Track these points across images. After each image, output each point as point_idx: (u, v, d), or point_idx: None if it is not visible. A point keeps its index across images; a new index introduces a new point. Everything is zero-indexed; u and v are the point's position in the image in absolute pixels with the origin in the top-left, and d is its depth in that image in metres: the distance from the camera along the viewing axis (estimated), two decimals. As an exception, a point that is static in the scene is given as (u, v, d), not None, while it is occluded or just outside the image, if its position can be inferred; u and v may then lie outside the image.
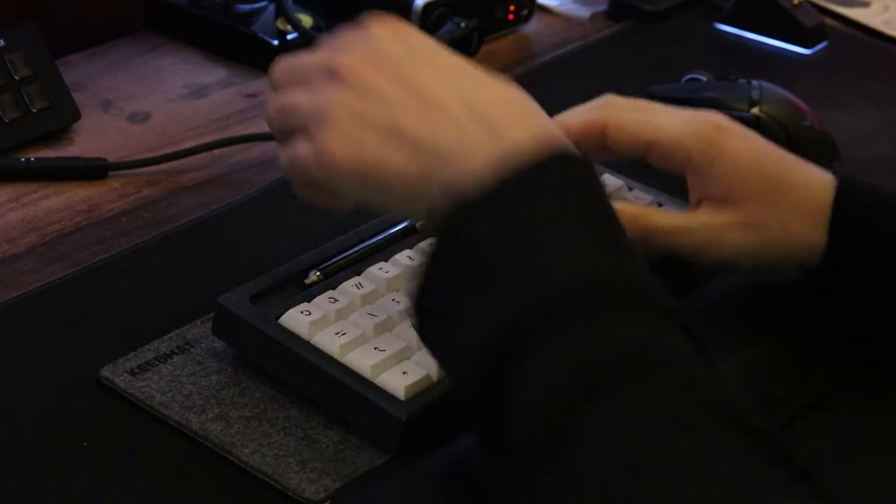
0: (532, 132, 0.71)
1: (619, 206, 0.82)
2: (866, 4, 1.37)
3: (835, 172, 0.89)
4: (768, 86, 1.11)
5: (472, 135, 0.71)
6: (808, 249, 0.86)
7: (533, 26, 1.29)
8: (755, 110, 1.08)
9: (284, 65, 0.80)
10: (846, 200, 0.86)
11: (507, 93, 0.74)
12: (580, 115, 0.89)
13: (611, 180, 0.98)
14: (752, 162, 0.87)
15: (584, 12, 1.32)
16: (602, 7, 1.32)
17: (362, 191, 0.74)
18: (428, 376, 0.80)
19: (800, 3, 1.29)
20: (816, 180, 0.88)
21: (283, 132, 0.78)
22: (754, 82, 1.11)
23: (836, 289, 0.88)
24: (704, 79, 1.14)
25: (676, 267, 0.88)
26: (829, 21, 1.32)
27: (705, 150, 0.87)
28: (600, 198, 0.71)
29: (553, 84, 1.20)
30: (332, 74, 0.75)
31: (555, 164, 0.70)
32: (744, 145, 0.88)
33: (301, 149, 0.76)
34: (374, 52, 0.75)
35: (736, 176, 0.86)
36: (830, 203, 0.86)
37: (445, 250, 0.69)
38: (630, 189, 0.98)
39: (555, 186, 0.69)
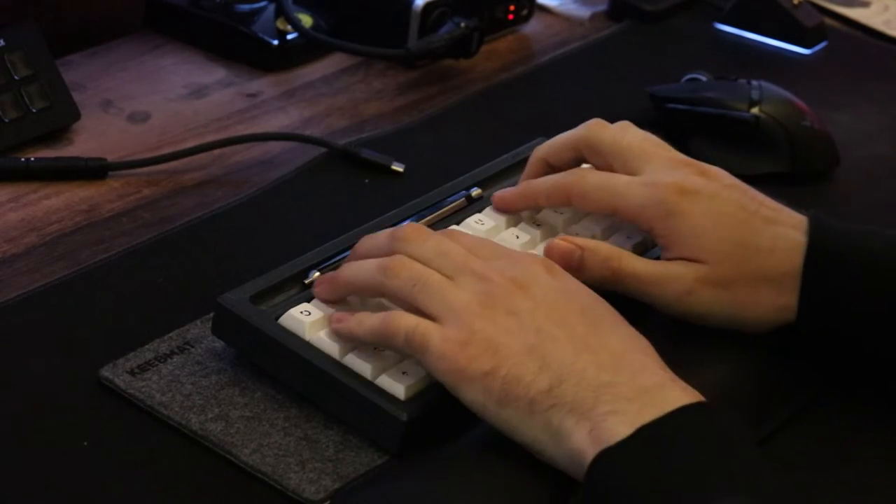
0: (668, 378, 0.75)
1: (594, 245, 0.85)
2: (866, 4, 1.37)
3: (808, 218, 0.87)
4: (768, 86, 1.11)
5: (612, 377, 0.74)
6: (779, 312, 0.85)
7: (533, 26, 1.29)
8: (755, 110, 1.08)
9: (463, 240, 0.82)
10: (817, 265, 0.84)
11: (641, 342, 0.78)
12: (546, 182, 0.90)
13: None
14: (715, 226, 0.85)
15: (584, 12, 1.32)
16: (602, 7, 1.32)
17: (473, 392, 0.76)
18: (428, 377, 0.80)
19: (800, 3, 1.29)
20: (784, 243, 0.85)
21: (402, 299, 0.79)
22: (754, 82, 1.11)
23: (808, 345, 0.87)
24: (704, 79, 1.14)
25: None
26: (829, 21, 1.32)
27: (666, 217, 0.85)
28: (736, 450, 0.72)
29: (553, 84, 1.20)
30: (513, 282, 0.78)
31: (689, 415, 0.73)
32: (707, 208, 0.85)
33: (431, 332, 0.77)
34: (562, 289, 0.79)
35: (700, 238, 0.85)
36: (800, 267, 0.84)
37: (594, 492, 0.72)
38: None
39: (693, 439, 0.72)
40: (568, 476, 0.75)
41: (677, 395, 0.74)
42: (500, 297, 0.77)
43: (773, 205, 0.88)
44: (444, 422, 0.79)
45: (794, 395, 0.86)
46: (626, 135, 0.89)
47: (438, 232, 0.82)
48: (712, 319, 0.85)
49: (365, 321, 0.79)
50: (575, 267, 0.84)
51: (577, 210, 0.91)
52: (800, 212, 0.88)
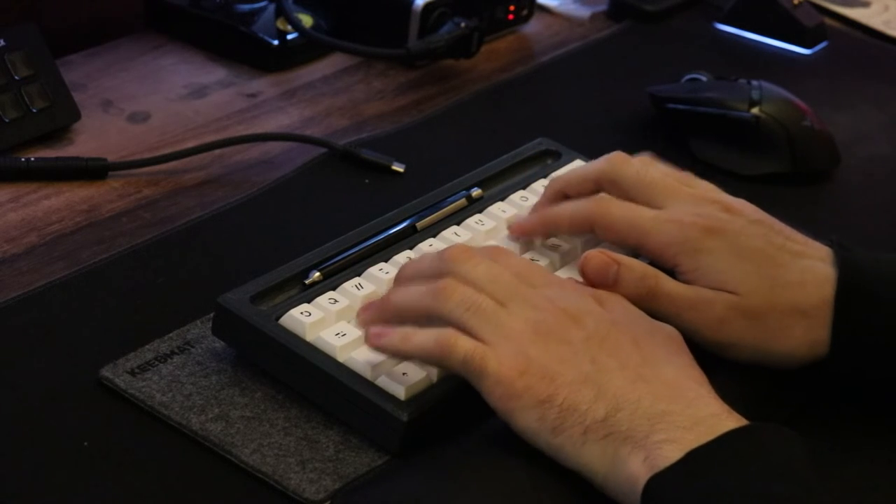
0: (723, 409, 0.75)
1: (630, 262, 0.83)
2: (866, 4, 1.37)
3: (832, 246, 0.86)
4: (768, 86, 1.11)
5: (667, 406, 0.74)
6: (811, 347, 0.84)
7: (533, 26, 1.29)
8: (755, 110, 1.08)
9: (520, 267, 0.81)
10: (847, 297, 0.84)
11: (695, 371, 0.78)
12: (568, 209, 0.89)
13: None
14: (742, 261, 0.84)
15: (584, 12, 1.32)
16: (602, 7, 1.32)
17: (527, 420, 0.75)
18: (428, 377, 0.80)
19: (800, 3, 1.29)
20: (813, 276, 0.85)
21: (454, 323, 0.78)
22: (754, 82, 1.11)
23: (837, 381, 0.85)
24: (704, 79, 1.14)
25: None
26: (829, 21, 1.33)
27: (692, 254, 0.85)
28: (788, 470, 0.72)
29: (553, 84, 1.20)
30: (576, 316, 0.78)
31: (739, 437, 0.73)
32: (733, 244, 0.85)
33: (489, 356, 0.76)
34: (613, 320, 0.79)
35: (728, 273, 0.84)
36: (831, 299, 0.84)
37: None
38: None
39: (743, 461, 0.72)
40: (568, 477, 0.75)
41: (731, 425, 0.73)
42: (553, 326, 0.77)
43: (799, 238, 0.87)
44: (444, 422, 0.79)
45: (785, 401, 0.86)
46: (650, 170, 0.89)
47: (485, 251, 0.82)
48: (744, 352, 0.84)
49: (412, 338, 0.78)
50: (610, 282, 0.83)
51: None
52: (821, 240, 0.87)
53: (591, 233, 0.88)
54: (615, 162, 0.90)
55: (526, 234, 0.91)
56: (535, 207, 0.92)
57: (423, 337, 0.78)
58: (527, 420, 0.75)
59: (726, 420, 0.74)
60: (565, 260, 0.90)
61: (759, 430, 0.73)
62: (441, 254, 0.81)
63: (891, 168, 1.13)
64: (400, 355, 0.79)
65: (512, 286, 0.79)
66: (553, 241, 0.91)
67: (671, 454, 0.72)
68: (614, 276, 0.83)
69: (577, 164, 0.99)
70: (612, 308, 0.80)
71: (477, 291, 0.78)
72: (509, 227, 0.92)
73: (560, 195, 0.91)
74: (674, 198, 0.87)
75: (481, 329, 0.77)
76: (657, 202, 0.87)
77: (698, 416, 0.74)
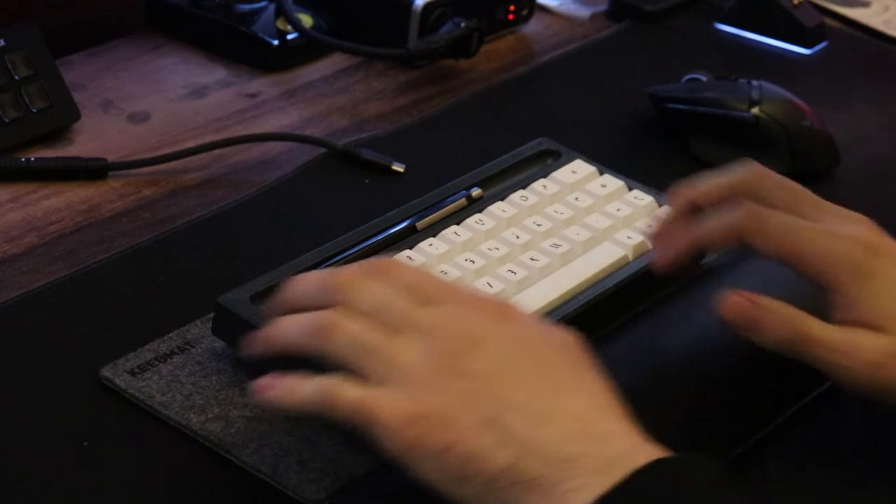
0: (636, 443, 0.69)
1: (773, 304, 0.78)
2: (866, 4, 1.37)
3: None
4: (768, 86, 1.11)
5: (577, 448, 0.68)
6: None
7: (533, 26, 1.29)
8: (755, 110, 1.08)
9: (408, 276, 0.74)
10: None
11: (605, 397, 0.72)
12: (717, 224, 0.82)
13: (610, 180, 0.98)
14: None
15: (584, 12, 1.31)
16: (602, 7, 1.32)
17: (428, 471, 0.69)
18: (428, 376, 0.80)
19: (800, 3, 1.29)
20: None
21: (342, 364, 0.71)
22: (754, 82, 1.11)
23: None
24: (704, 79, 1.14)
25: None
26: (829, 21, 1.32)
27: (859, 277, 0.78)
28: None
29: (553, 84, 1.20)
30: (468, 341, 0.71)
31: (648, 477, 0.68)
32: None
33: (378, 405, 0.69)
34: (516, 339, 0.72)
35: (893, 304, 0.78)
36: None
37: None
38: (630, 189, 0.98)
39: (653, 500, 0.67)
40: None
41: (643, 461, 0.68)
42: (450, 356, 0.70)
43: None
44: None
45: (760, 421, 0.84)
46: (793, 182, 0.84)
47: (373, 267, 0.75)
48: None
49: (296, 391, 0.72)
50: (751, 326, 0.78)
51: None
52: None
53: (737, 244, 0.82)
54: (757, 171, 0.84)
55: (676, 261, 0.85)
56: (667, 223, 0.86)
57: (306, 390, 0.71)
58: (427, 471, 0.69)
59: (640, 455, 0.68)
60: (565, 260, 0.91)
61: (670, 465, 0.68)
62: (327, 278, 0.74)
63: (891, 168, 1.13)
64: (290, 412, 0.74)
65: (404, 311, 0.72)
66: (553, 240, 0.91)
67: (581, 502, 0.67)
68: (755, 320, 0.78)
69: (578, 163, 0.99)
70: (512, 321, 0.73)
71: (364, 325, 0.71)
72: (653, 263, 0.87)
73: (691, 206, 0.85)
74: (826, 212, 0.82)
75: (370, 370, 0.70)
76: (810, 215, 0.81)
77: (610, 455, 0.68)
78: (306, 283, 0.76)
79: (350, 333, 0.71)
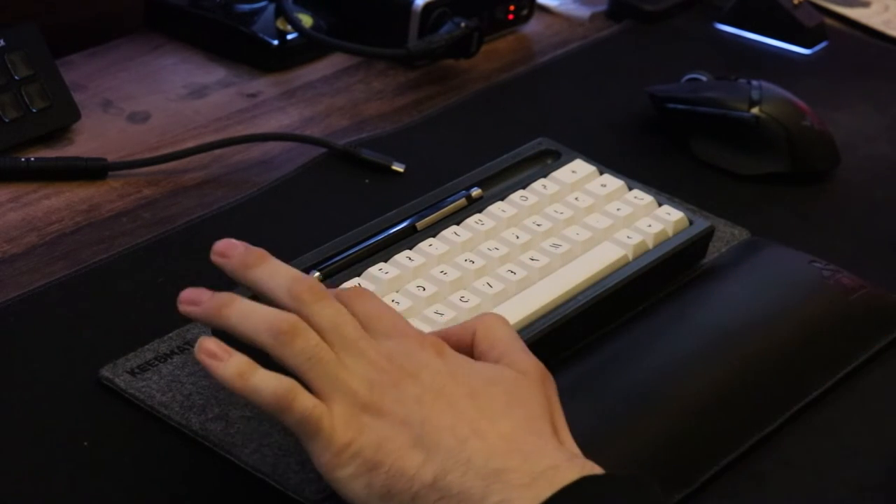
0: (563, 459, 0.70)
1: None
2: (866, 4, 1.37)
3: None
4: (768, 86, 1.11)
5: (502, 463, 0.69)
6: None
7: (533, 26, 1.29)
8: (755, 110, 1.08)
9: (366, 303, 0.75)
10: None
11: (536, 424, 0.72)
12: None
13: (610, 180, 0.98)
14: None
15: (584, 12, 1.32)
16: (602, 7, 1.32)
17: (354, 488, 0.71)
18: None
19: (800, 3, 1.29)
20: None
21: (292, 369, 0.72)
22: (754, 82, 1.11)
23: None
24: (704, 79, 1.14)
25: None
26: (829, 21, 1.33)
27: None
28: None
29: (553, 84, 1.20)
30: (405, 373, 0.73)
31: (576, 493, 0.68)
32: None
33: (322, 419, 0.71)
34: (451, 373, 0.73)
35: None
36: None
37: None
38: (630, 189, 0.98)
39: None
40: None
41: (573, 474, 0.69)
42: (387, 385, 0.72)
43: None
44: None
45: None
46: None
47: (343, 291, 0.77)
48: None
49: (249, 378, 0.72)
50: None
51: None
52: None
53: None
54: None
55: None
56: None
57: (260, 382, 0.72)
58: (353, 488, 0.70)
59: (566, 471, 0.69)
60: (565, 259, 0.91)
61: (596, 483, 0.69)
62: (293, 286, 0.75)
63: (891, 168, 1.13)
64: (232, 389, 0.72)
65: (353, 337, 0.73)
66: (553, 240, 0.91)
67: None
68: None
69: (578, 163, 0.99)
70: (450, 358, 0.74)
71: (318, 339, 0.73)
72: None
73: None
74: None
75: (320, 383, 0.72)
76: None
77: (536, 470, 0.69)
78: (283, 273, 0.76)
79: (307, 343, 0.72)
